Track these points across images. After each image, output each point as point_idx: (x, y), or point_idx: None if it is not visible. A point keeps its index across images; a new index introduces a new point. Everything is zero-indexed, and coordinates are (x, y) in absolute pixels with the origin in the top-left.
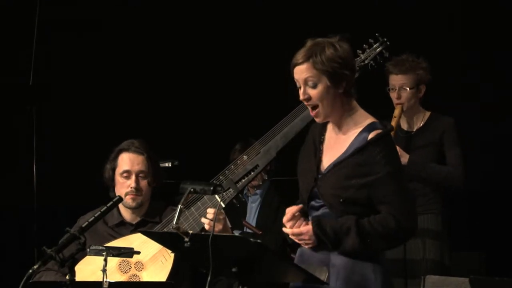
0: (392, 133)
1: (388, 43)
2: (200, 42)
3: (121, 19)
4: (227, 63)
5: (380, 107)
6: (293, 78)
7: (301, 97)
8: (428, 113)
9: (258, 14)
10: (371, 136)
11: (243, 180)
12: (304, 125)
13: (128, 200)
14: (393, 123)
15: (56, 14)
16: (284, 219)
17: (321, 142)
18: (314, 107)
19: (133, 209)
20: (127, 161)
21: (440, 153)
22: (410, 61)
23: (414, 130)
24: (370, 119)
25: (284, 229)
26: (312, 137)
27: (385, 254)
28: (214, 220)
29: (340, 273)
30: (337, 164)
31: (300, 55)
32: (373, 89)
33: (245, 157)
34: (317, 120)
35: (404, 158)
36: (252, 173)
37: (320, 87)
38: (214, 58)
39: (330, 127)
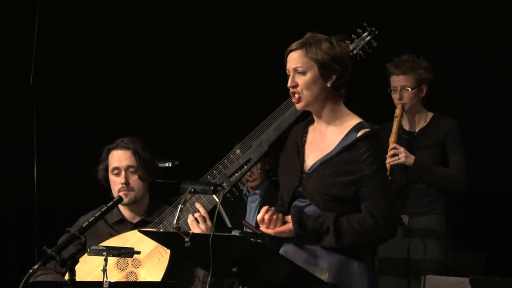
0: (393, 136)
1: (376, 32)
2: (199, 42)
3: (122, 19)
4: (227, 64)
5: (380, 107)
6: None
7: (289, 84)
8: (430, 114)
9: (253, 15)
10: (359, 134)
11: (236, 174)
12: (295, 117)
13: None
14: (395, 123)
15: (56, 14)
16: (259, 219)
17: (303, 143)
18: (297, 94)
19: (129, 206)
20: (116, 158)
21: (443, 155)
22: (410, 61)
23: (417, 130)
24: (357, 120)
25: (263, 229)
26: (294, 139)
27: (369, 251)
28: (214, 220)
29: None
30: (323, 163)
31: (295, 43)
32: (373, 90)
33: (237, 151)
34: (297, 106)
35: (410, 159)
36: (245, 167)
37: (308, 75)
38: (214, 59)
39: (312, 128)
